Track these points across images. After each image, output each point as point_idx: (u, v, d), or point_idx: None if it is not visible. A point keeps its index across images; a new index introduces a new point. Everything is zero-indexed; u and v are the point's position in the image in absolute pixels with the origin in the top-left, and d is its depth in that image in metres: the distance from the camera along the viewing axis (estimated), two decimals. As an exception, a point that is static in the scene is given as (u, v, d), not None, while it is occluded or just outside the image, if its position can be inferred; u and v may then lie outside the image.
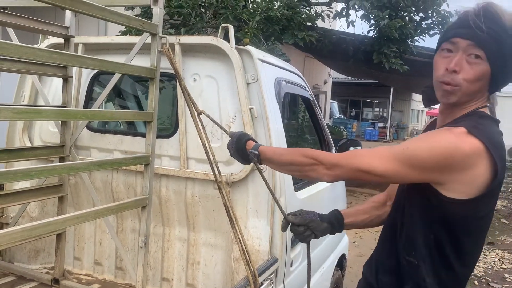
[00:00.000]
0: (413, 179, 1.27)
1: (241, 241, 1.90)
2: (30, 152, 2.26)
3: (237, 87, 2.22)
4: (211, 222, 2.40)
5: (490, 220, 1.35)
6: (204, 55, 2.35)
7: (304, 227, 1.54)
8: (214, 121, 2.01)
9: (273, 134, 2.21)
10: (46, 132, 2.72)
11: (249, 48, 2.24)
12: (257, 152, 1.54)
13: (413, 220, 1.35)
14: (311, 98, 3.06)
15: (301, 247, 2.47)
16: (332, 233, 1.61)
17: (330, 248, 3.18)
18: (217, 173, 2.01)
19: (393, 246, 1.42)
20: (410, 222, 1.36)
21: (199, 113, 2.05)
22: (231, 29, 2.21)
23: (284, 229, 1.61)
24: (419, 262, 1.33)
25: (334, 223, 1.59)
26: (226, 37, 2.25)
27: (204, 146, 2.02)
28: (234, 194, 2.27)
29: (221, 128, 1.96)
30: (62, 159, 2.41)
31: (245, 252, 1.90)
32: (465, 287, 1.40)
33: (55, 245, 2.51)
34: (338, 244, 3.43)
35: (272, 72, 2.38)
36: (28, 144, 2.68)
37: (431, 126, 1.53)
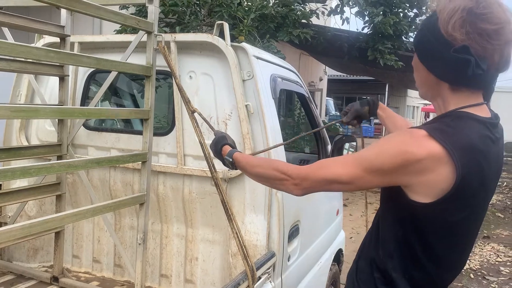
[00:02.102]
0: (378, 184, 1.26)
1: (239, 236, 1.92)
2: (27, 151, 2.27)
3: (233, 84, 2.23)
4: (208, 218, 2.42)
5: (471, 229, 1.32)
6: (199, 52, 2.36)
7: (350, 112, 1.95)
8: (205, 119, 2.04)
9: (269, 130, 2.23)
10: (43, 131, 2.73)
11: (244, 45, 2.26)
12: (231, 160, 1.61)
13: (385, 217, 1.37)
14: (306, 95, 3.08)
15: (298, 241, 2.50)
16: (370, 111, 1.91)
17: (327, 243, 3.21)
18: (213, 170, 2.03)
19: (373, 235, 1.44)
20: (382, 218, 1.39)
21: (193, 112, 2.07)
22: (226, 26, 2.23)
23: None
24: (385, 256, 1.34)
25: (370, 101, 1.91)
26: (222, 35, 2.27)
27: (200, 142, 2.04)
28: (231, 190, 2.30)
29: (209, 125, 2.01)
30: (59, 158, 2.42)
31: (243, 247, 1.92)
32: None
33: (53, 244, 2.53)
34: (335, 239, 3.46)
35: (268, 69, 2.40)
36: (25, 143, 2.69)
37: None
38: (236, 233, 1.93)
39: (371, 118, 2.07)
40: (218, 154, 1.70)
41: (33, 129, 2.76)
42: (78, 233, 2.80)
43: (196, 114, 2.05)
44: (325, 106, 19.35)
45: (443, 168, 1.15)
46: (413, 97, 32.95)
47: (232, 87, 2.25)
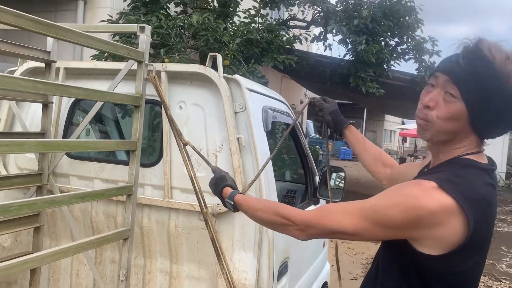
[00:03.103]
0: (385, 236, 1.23)
1: (229, 278, 1.84)
2: (6, 181, 2.16)
3: (224, 116, 2.18)
4: (195, 254, 2.32)
5: (477, 273, 1.30)
6: (190, 82, 2.31)
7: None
8: (199, 153, 1.98)
9: (261, 164, 2.17)
10: (22, 158, 2.61)
11: (237, 77, 2.22)
12: (232, 202, 1.57)
13: (387, 269, 1.33)
14: (294, 124, 3.05)
15: (286, 279, 2.42)
16: (335, 125, 2.00)
17: (313, 276, 3.14)
18: (203, 204, 1.96)
19: (371, 278, 1.41)
20: (384, 266, 1.35)
21: (185, 144, 2.01)
22: (219, 58, 2.19)
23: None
24: None
25: (336, 119, 2.00)
26: (214, 65, 2.22)
27: (190, 177, 1.97)
28: (219, 226, 2.21)
29: (205, 161, 1.95)
30: (39, 188, 2.31)
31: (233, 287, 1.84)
32: None
33: (28, 277, 2.38)
34: (320, 272, 3.39)
35: (260, 101, 2.36)
36: (3, 171, 2.56)
37: (427, 166, 1.47)
38: (226, 274, 1.85)
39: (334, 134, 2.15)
40: (219, 195, 1.65)
41: (11, 156, 2.64)
42: (56, 266, 2.65)
43: (187, 147, 1.98)
44: (305, 129, 19.47)
45: (454, 221, 1.13)
46: (391, 121, 33.57)
47: (224, 119, 2.19)
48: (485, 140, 1.27)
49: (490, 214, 1.22)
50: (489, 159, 1.30)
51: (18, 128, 2.56)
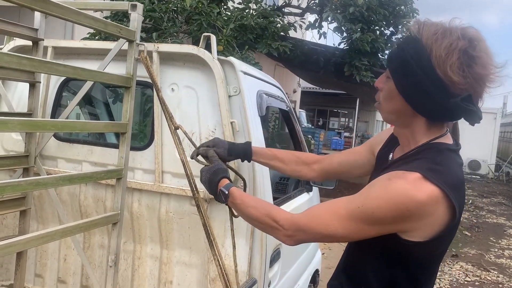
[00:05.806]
0: (376, 233, 1.21)
1: (221, 264, 1.80)
2: (-10, 163, 2.09)
3: (218, 100, 2.12)
4: (186, 240, 2.28)
5: (446, 251, 1.32)
6: (183, 64, 2.24)
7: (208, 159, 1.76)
8: (190, 140, 1.92)
9: (254, 149, 2.12)
10: (9, 139, 2.53)
11: (232, 59, 2.15)
12: (227, 192, 1.52)
13: (364, 251, 1.32)
14: (288, 110, 3.01)
15: (278, 266, 2.39)
16: (243, 156, 1.82)
17: (305, 264, 3.12)
18: (195, 189, 1.90)
19: (342, 274, 1.42)
20: (361, 251, 1.34)
21: (176, 128, 1.95)
22: (213, 39, 2.12)
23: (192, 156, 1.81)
24: None
25: (241, 156, 1.82)
26: (208, 47, 2.15)
27: (182, 161, 1.92)
28: (211, 211, 2.17)
29: (194, 146, 1.89)
30: (26, 170, 2.24)
31: (225, 276, 1.79)
32: None
33: (14, 261, 2.33)
34: (312, 259, 3.37)
35: (255, 85, 2.30)
36: (-12, 153, 2.49)
37: (390, 140, 1.47)
38: (218, 260, 1.81)
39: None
40: (214, 184, 1.58)
41: (-3, 137, 2.56)
42: (43, 250, 2.60)
43: (180, 132, 1.92)
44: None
45: (440, 209, 1.14)
46: (383, 112, 33.51)
47: (217, 103, 2.13)
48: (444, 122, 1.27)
49: (465, 194, 1.27)
50: (454, 139, 1.31)
51: (4, 109, 2.48)
